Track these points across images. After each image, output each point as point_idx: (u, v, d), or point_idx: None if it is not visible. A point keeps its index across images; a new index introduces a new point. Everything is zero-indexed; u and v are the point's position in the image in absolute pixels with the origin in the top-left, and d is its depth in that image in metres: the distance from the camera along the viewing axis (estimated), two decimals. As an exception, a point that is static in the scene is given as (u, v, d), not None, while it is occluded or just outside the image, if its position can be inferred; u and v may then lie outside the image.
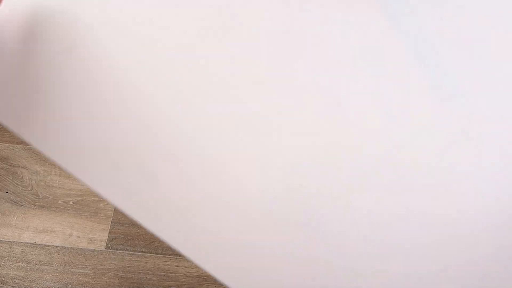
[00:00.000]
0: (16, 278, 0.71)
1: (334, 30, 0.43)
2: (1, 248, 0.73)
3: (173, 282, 0.72)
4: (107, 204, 0.77)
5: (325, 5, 0.45)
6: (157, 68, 0.39)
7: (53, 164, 0.79)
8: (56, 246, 0.74)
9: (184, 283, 0.72)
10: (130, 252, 0.74)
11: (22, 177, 0.77)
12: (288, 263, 0.38)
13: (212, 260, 0.36)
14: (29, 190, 0.78)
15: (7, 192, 0.77)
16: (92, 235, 0.75)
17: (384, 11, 0.46)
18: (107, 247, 0.74)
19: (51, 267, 0.72)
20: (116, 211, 0.77)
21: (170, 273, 0.73)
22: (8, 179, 0.77)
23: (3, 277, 0.71)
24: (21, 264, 0.72)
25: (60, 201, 0.77)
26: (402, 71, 0.43)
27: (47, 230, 0.75)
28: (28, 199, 0.77)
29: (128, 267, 0.73)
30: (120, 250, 0.74)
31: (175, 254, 0.74)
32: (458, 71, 0.42)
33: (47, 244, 0.74)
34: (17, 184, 0.77)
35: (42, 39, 0.38)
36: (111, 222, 0.76)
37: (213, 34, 0.41)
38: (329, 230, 0.36)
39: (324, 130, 0.39)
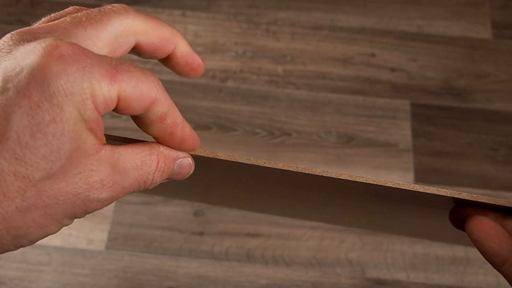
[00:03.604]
0: (15, 279, 0.71)
1: None
2: None
3: (172, 283, 0.72)
4: (106, 204, 0.77)
5: None
6: None
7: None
8: (55, 247, 0.74)
9: (184, 284, 0.72)
10: (130, 253, 0.74)
11: (21, 177, 0.77)
12: None
13: None
14: (28, 190, 0.77)
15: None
16: (92, 236, 0.75)
17: None
18: (106, 247, 0.74)
19: (50, 268, 0.72)
20: (116, 211, 0.77)
21: (170, 273, 0.73)
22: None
23: (1, 277, 0.71)
24: (20, 265, 0.72)
25: (59, 201, 0.77)
26: None
27: (46, 230, 0.75)
28: (27, 199, 0.77)
29: (128, 267, 0.73)
30: (119, 250, 0.74)
31: (175, 255, 0.74)
32: None
33: (46, 244, 0.73)
34: (16, 184, 0.77)
35: None
36: (111, 223, 0.75)
37: None
38: None
39: None
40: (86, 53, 0.17)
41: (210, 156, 0.22)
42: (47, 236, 0.19)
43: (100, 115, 0.18)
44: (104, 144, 0.19)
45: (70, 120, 0.17)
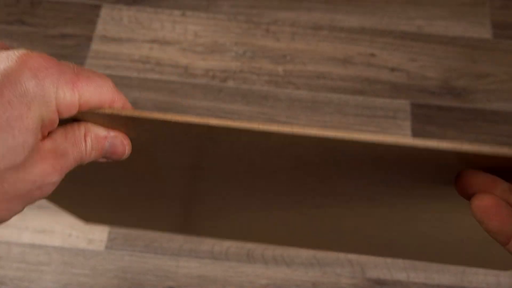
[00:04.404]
0: (15, 279, 0.71)
1: None
2: (0, 248, 0.73)
3: (172, 283, 0.72)
4: (106, 204, 0.77)
5: None
6: None
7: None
8: (55, 247, 0.74)
9: (184, 284, 0.72)
10: (130, 253, 0.74)
11: (21, 177, 0.77)
12: None
13: None
14: (28, 190, 0.77)
15: (6, 192, 0.76)
16: (92, 236, 0.75)
17: None
18: (106, 247, 0.74)
19: (50, 268, 0.72)
20: (116, 211, 0.77)
21: (170, 273, 0.73)
22: (7, 179, 0.77)
23: (1, 277, 0.71)
24: (20, 265, 0.72)
25: (59, 201, 0.77)
26: None
27: (46, 230, 0.75)
28: (27, 199, 0.76)
29: (128, 267, 0.73)
30: (119, 250, 0.74)
31: (175, 255, 0.74)
32: None
33: (46, 244, 0.73)
34: (16, 184, 0.76)
35: None
36: (111, 223, 0.75)
37: None
38: None
39: None
40: (53, 62, 0.20)
41: (202, 122, 0.21)
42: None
43: (60, 118, 0.20)
44: (44, 137, 0.21)
45: (35, 118, 0.19)
